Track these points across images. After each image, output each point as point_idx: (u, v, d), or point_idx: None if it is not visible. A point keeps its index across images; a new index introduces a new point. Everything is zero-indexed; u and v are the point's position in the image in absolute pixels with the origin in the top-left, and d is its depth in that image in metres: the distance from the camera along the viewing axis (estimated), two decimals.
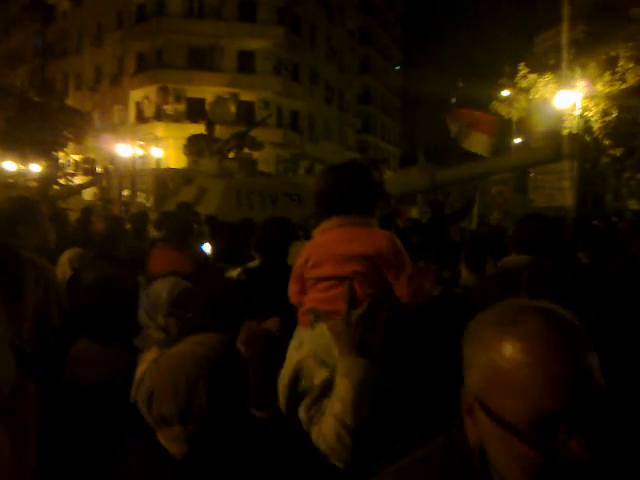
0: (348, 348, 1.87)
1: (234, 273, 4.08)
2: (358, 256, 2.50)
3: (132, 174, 15.95)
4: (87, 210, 11.27)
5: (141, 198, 13.26)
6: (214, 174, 12.70)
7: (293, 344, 2.59)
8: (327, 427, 1.85)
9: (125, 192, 14.28)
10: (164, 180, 12.86)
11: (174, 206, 8.81)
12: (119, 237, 4.31)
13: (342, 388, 1.83)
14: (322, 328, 2.28)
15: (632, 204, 26.03)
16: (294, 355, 2.41)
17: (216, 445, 1.42)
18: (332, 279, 2.51)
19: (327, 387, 2.04)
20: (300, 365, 2.29)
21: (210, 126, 14.47)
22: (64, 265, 4.60)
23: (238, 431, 1.45)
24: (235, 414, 1.44)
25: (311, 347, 2.30)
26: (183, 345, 1.50)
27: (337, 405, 1.83)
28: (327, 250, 2.55)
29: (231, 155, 14.22)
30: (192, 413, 1.40)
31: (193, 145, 14.18)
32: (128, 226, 6.14)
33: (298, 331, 2.64)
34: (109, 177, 17.96)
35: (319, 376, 2.16)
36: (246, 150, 14.67)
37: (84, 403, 2.50)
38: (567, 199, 12.01)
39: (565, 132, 23.36)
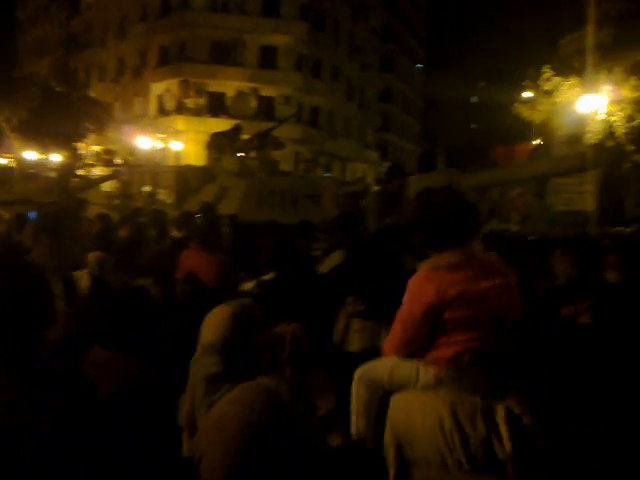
0: None
1: (249, 285, 4.09)
2: (504, 286, 2.59)
3: (153, 169, 16.01)
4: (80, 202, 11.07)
5: (162, 195, 13.32)
6: (235, 173, 12.73)
7: (409, 379, 2.61)
8: None
9: (146, 188, 14.32)
10: (185, 177, 12.90)
11: (196, 204, 8.82)
12: (141, 243, 4.32)
13: None
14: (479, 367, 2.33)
15: None
16: (433, 397, 2.40)
17: None
18: (488, 314, 2.54)
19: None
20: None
21: (237, 129, 14.47)
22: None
23: None
24: (287, 464, 1.42)
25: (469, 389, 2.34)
26: (225, 406, 1.47)
27: None
28: (475, 287, 2.55)
29: (252, 154, 14.24)
30: (244, 476, 1.38)
31: (215, 142, 14.20)
32: (153, 232, 6.16)
33: (409, 369, 2.64)
34: (129, 171, 18.00)
35: (500, 413, 2.20)
36: (268, 149, 14.68)
37: (105, 412, 2.51)
38: (588, 204, 11.87)
39: (588, 137, 23.11)
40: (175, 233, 6.99)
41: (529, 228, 9.01)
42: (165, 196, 13.27)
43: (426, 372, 2.58)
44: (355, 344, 3.77)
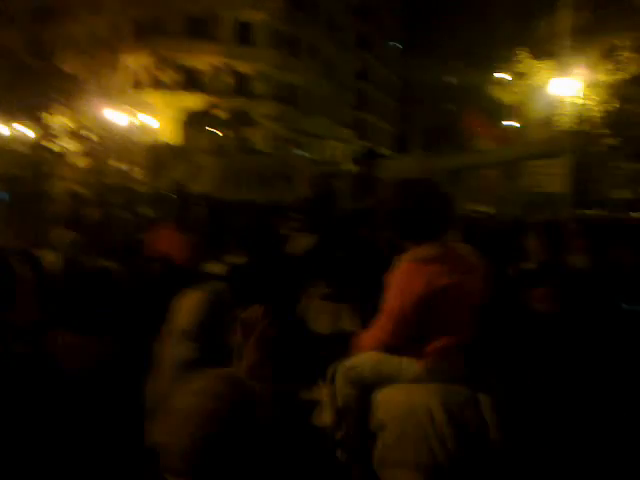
0: None
1: (216, 268, 4.06)
2: (482, 278, 2.63)
3: (126, 145, 15.83)
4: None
5: (135, 172, 13.17)
6: (210, 151, 12.63)
7: (395, 374, 2.62)
8: None
9: (119, 164, 14.16)
10: (157, 154, 12.75)
11: (168, 182, 8.74)
12: (112, 223, 4.30)
13: None
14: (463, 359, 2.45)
15: (618, 193, 25.66)
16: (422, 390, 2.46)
17: None
18: (469, 306, 2.59)
19: None
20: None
21: (212, 108, 14.38)
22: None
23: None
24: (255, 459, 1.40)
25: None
26: (190, 397, 1.42)
27: None
28: (456, 279, 2.54)
29: (228, 133, 14.14)
30: (207, 470, 1.35)
31: (190, 121, 14.09)
32: (124, 211, 6.11)
33: (394, 363, 2.65)
34: (103, 146, 17.76)
35: (486, 402, 2.32)
36: (243, 128, 14.59)
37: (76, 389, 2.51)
38: (558, 186, 12.03)
39: (562, 120, 23.25)
40: (147, 211, 6.95)
41: (500, 210, 9.11)
42: (138, 173, 13.13)
43: (412, 365, 2.55)
44: (323, 327, 3.77)
